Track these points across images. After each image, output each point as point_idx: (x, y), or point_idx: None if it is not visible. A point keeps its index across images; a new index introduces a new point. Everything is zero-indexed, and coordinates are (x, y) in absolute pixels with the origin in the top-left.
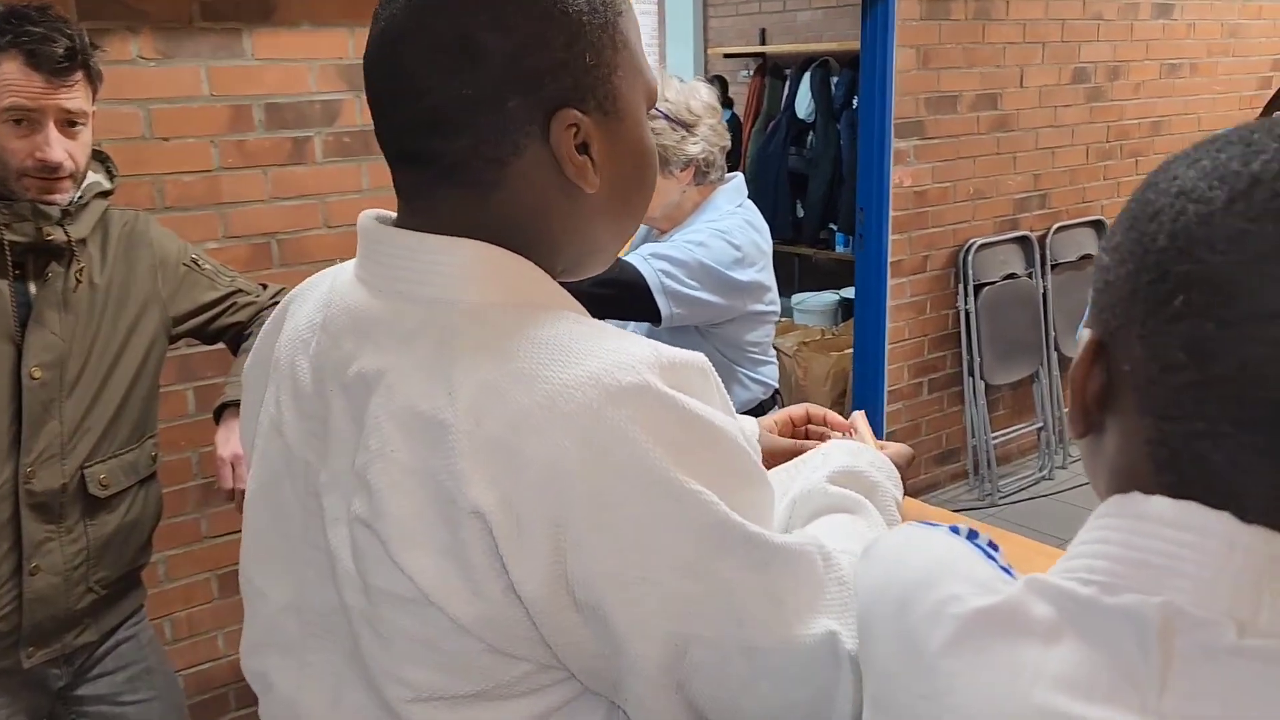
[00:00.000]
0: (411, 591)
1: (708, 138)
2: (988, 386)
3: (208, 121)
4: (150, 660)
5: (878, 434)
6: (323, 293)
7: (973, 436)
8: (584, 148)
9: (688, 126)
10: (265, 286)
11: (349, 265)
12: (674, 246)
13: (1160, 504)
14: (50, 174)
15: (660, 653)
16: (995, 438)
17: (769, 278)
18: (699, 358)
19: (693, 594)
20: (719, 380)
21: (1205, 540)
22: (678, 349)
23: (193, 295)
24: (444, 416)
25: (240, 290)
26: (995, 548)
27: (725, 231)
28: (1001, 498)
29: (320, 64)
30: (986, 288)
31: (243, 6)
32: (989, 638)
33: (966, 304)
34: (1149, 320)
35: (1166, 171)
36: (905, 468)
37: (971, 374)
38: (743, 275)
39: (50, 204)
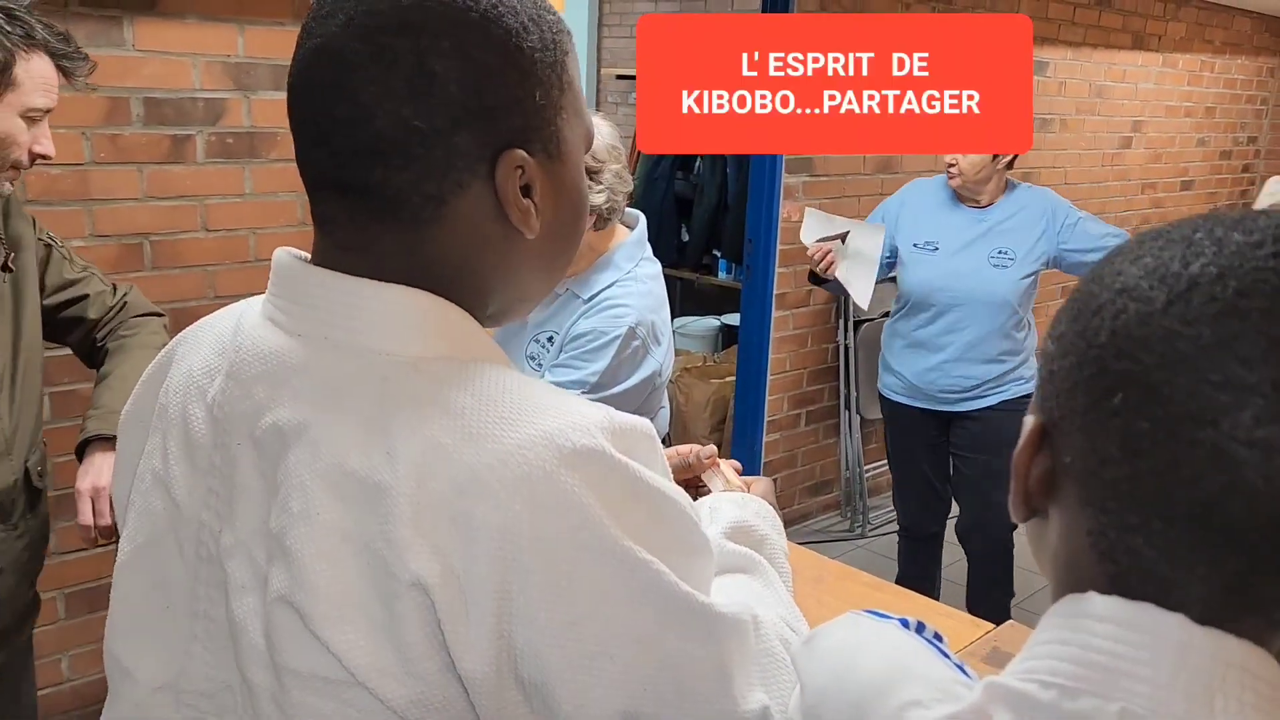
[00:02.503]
0: (335, 672)
1: (612, 185)
2: (862, 420)
3: (80, 112)
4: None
5: (755, 464)
6: (223, 335)
7: (846, 469)
8: (527, 190)
9: (591, 174)
10: (115, 286)
11: (255, 304)
12: (574, 367)
13: (1116, 605)
14: (28, 167)
15: None
16: (867, 470)
17: (665, 350)
18: (645, 423)
19: (645, 668)
20: (661, 446)
21: (1160, 643)
22: (625, 414)
23: (54, 272)
24: (381, 478)
25: (94, 276)
26: (940, 639)
27: (619, 333)
28: (871, 529)
29: (206, 60)
30: (865, 324)
31: None
32: None
33: (846, 339)
34: (1089, 414)
35: (1111, 265)
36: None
37: (848, 407)
38: (641, 374)
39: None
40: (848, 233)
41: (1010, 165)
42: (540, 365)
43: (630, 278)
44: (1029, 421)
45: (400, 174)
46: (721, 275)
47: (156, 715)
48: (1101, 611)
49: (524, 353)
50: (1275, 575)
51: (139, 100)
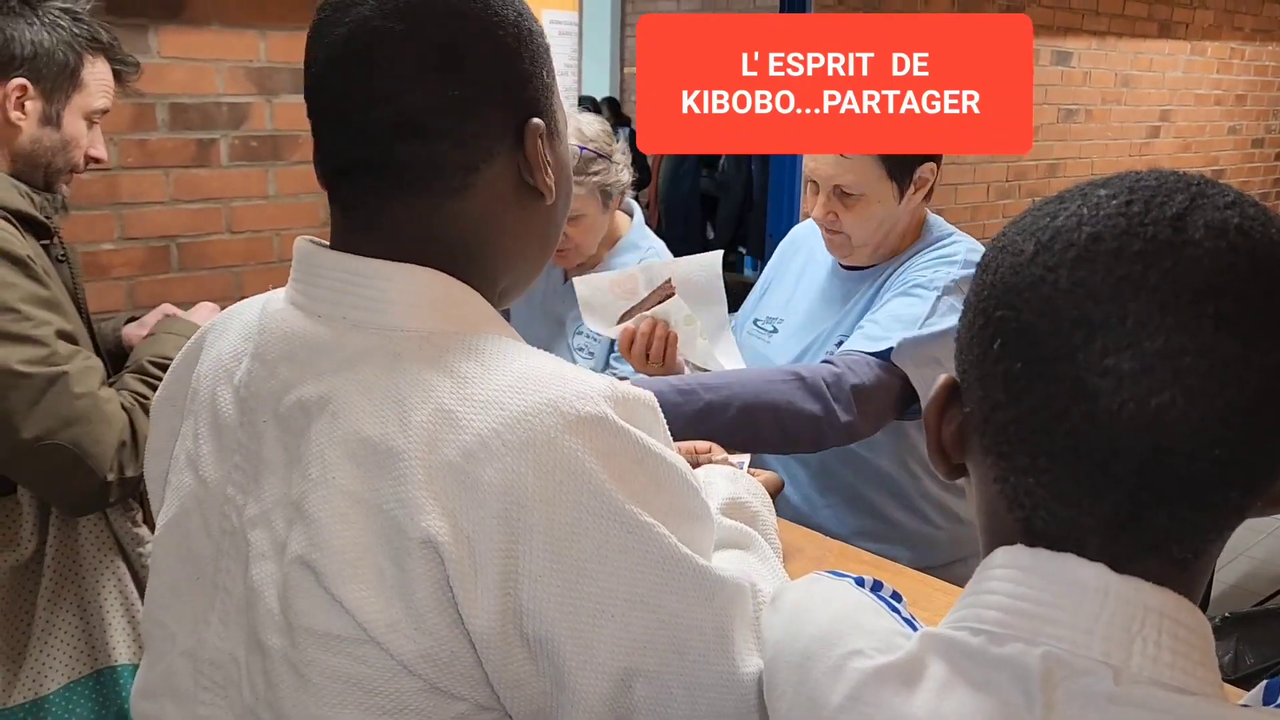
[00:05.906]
0: (348, 629)
1: (623, 162)
2: None
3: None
4: None
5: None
6: (249, 321)
7: None
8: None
9: (609, 157)
10: None
11: (279, 292)
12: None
13: (1039, 556)
14: (82, 171)
15: (606, 687)
16: None
17: None
18: (648, 394)
19: (644, 627)
20: (663, 417)
21: (1080, 591)
22: (627, 384)
23: None
24: (395, 443)
25: None
26: (899, 598)
27: None
28: None
29: (229, 65)
30: None
31: (150, 2)
32: (886, 693)
33: None
34: (980, 364)
35: (1004, 231)
36: (775, 496)
37: None
38: None
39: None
40: (669, 281)
41: (928, 195)
42: (593, 355)
43: (654, 252)
44: (941, 378)
45: (434, 146)
46: (747, 272)
47: (179, 679)
48: (1027, 563)
49: (569, 346)
50: (1154, 507)
51: (164, 106)
